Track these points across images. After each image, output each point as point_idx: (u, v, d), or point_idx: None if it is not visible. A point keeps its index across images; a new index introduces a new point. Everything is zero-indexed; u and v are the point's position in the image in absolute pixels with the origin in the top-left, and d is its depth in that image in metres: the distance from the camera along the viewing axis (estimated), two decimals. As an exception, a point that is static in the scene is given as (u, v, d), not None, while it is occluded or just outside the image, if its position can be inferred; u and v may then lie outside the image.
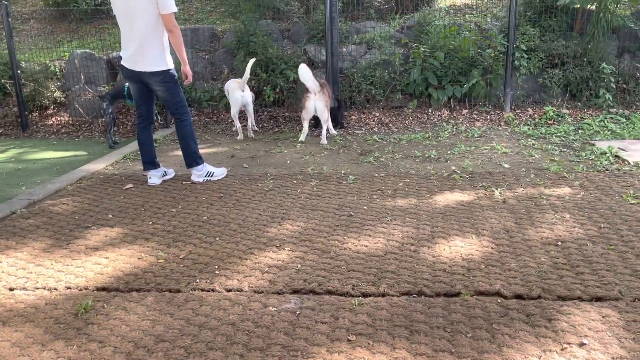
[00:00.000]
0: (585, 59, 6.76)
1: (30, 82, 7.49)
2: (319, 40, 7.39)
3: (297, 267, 2.74)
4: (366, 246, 2.97)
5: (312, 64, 7.41)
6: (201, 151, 5.49)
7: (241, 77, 5.85)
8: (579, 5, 6.89)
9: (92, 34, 9.29)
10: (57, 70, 7.87)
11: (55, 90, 7.67)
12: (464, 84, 6.73)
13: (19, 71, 7.24)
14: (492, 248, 2.90)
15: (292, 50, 7.46)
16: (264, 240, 3.10)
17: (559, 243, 2.94)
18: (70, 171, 4.87)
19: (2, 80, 7.51)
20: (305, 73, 5.46)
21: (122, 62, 4.09)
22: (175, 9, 3.93)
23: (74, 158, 5.73)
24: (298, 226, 3.30)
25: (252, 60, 5.76)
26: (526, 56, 6.74)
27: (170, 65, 4.09)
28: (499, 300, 2.35)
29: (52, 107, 7.66)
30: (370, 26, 7.70)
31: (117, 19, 4.04)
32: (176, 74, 4.19)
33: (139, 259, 2.91)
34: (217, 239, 3.15)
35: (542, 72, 6.85)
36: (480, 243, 2.96)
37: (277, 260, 2.82)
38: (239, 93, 5.88)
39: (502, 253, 2.83)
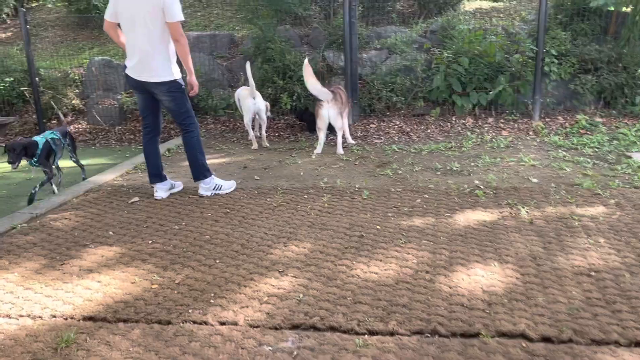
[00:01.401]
0: (620, 64, 6.37)
1: (49, 89, 7.47)
2: (339, 46, 7.16)
3: (299, 297, 2.50)
4: (376, 273, 2.71)
5: (331, 70, 7.20)
6: (214, 161, 5.36)
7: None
8: (613, 8, 6.49)
9: (112, 41, 9.29)
10: (76, 77, 7.85)
11: (74, 98, 7.65)
12: (490, 91, 6.41)
13: (37, 79, 7.23)
14: (516, 278, 2.61)
15: (310, 56, 7.24)
16: (267, 264, 2.87)
17: (593, 273, 2.64)
18: (79, 182, 4.76)
19: (21, 88, 7.52)
20: (311, 84, 5.26)
21: (127, 72, 3.94)
22: (182, 17, 3.76)
23: (87, 167, 5.63)
24: (304, 248, 3.07)
25: (247, 65, 5.59)
26: (557, 61, 6.38)
27: (176, 75, 3.92)
28: (523, 344, 2.07)
29: (70, 114, 7.63)
30: (392, 31, 7.44)
31: (121, 27, 3.90)
32: (183, 84, 4.01)
33: (132, 283, 2.72)
34: (217, 261, 2.95)
35: (573, 78, 6.48)
36: (503, 272, 2.68)
37: (278, 288, 2.59)
38: (250, 101, 5.70)
39: (527, 285, 2.54)
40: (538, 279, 2.60)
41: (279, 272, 2.78)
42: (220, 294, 2.57)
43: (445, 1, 8.15)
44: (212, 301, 2.50)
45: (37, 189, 4.33)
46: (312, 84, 5.24)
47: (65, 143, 4.76)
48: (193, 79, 4.06)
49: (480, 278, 2.62)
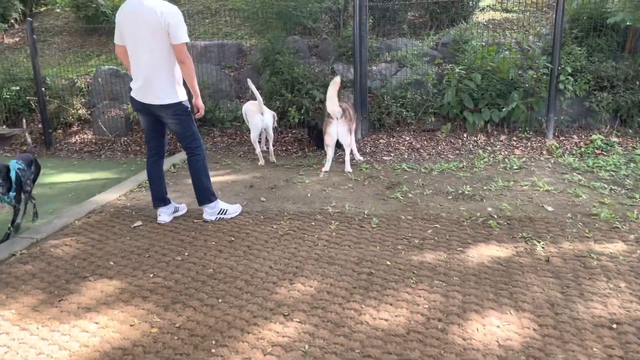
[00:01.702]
0: (637, 82, 6.18)
1: (55, 98, 7.41)
2: (348, 58, 7.04)
3: (305, 347, 2.39)
4: (386, 320, 2.59)
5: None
6: (220, 178, 5.26)
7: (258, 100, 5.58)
8: (630, 23, 6.31)
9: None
10: (82, 86, 7.78)
11: (80, 107, 7.58)
12: (503, 108, 6.26)
13: (43, 88, 7.16)
14: (534, 330, 2.48)
15: (319, 68, 7.13)
16: (271, 305, 2.76)
17: (614, 325, 2.50)
18: (81, 203, 4.66)
19: (27, 97, 7.46)
20: (332, 95, 5.14)
21: (132, 94, 3.84)
22: (187, 39, 3.66)
23: (91, 182, 5.57)
24: (310, 287, 2.95)
25: (249, 82, 5.56)
26: (572, 79, 6.21)
27: (181, 97, 3.82)
28: (542, 414, 1.95)
29: (76, 124, 7.57)
30: (403, 43, 7.31)
31: (127, 48, 3.80)
32: (189, 106, 3.91)
33: (131, 325, 2.62)
34: (220, 300, 2.84)
35: (589, 95, 6.31)
36: (519, 322, 2.55)
37: (283, 336, 2.48)
38: (258, 117, 5.60)
39: (546, 338, 2.41)
40: (557, 331, 2.46)
41: (284, 315, 2.66)
42: (222, 341, 2.46)
43: (457, 12, 7.99)
44: (213, 350, 2.39)
45: (12, 230, 3.87)
46: (332, 101, 5.14)
47: (30, 174, 4.14)
48: (199, 101, 3.96)
49: (496, 329, 2.49)
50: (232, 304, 2.79)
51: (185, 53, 3.68)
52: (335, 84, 5.15)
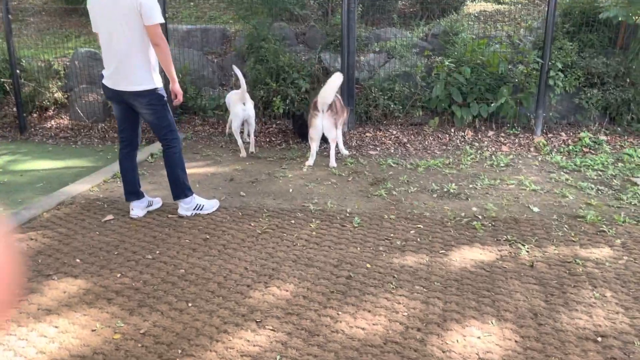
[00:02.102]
0: (627, 79, 6.10)
1: (30, 81, 7.13)
2: (336, 48, 6.85)
3: (277, 358, 2.26)
4: (363, 328, 2.47)
5: (327, 73, 6.87)
6: (200, 170, 5.09)
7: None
8: (622, 19, 6.21)
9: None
10: (60, 68, 7.50)
11: (57, 91, 7.31)
12: (492, 103, 6.14)
13: (17, 70, 6.88)
14: (516, 342, 2.37)
15: (306, 57, 6.94)
16: (243, 311, 2.62)
17: (599, 339, 2.41)
18: (52, 193, 4.46)
19: (2, 80, 7.17)
20: (331, 88, 4.98)
21: (104, 81, 3.64)
22: (161, 19, 3.46)
23: (65, 170, 5.35)
24: (286, 291, 2.82)
25: (235, 68, 5.34)
26: (562, 74, 6.10)
27: (157, 84, 3.62)
28: None
29: (52, 108, 7.30)
30: (392, 33, 7.13)
31: (98, 33, 3.59)
32: (165, 94, 3.72)
33: (93, 330, 2.47)
34: (190, 304, 2.69)
35: (578, 92, 6.21)
36: (501, 332, 2.44)
37: (254, 345, 2.34)
38: (239, 107, 5.40)
39: (528, 351, 2.31)
40: (539, 343, 2.36)
41: (257, 322, 2.53)
42: (188, 350, 2.32)
43: (448, 2, 7.83)
44: (178, 360, 2.25)
45: None
46: (328, 92, 4.97)
47: None
48: (176, 86, 3.76)
49: (476, 340, 2.38)
50: (202, 309, 2.65)
51: (160, 35, 3.49)
52: (339, 80, 5.03)
